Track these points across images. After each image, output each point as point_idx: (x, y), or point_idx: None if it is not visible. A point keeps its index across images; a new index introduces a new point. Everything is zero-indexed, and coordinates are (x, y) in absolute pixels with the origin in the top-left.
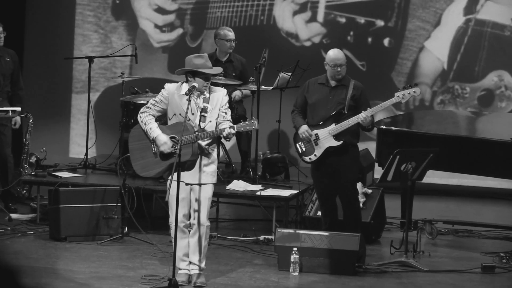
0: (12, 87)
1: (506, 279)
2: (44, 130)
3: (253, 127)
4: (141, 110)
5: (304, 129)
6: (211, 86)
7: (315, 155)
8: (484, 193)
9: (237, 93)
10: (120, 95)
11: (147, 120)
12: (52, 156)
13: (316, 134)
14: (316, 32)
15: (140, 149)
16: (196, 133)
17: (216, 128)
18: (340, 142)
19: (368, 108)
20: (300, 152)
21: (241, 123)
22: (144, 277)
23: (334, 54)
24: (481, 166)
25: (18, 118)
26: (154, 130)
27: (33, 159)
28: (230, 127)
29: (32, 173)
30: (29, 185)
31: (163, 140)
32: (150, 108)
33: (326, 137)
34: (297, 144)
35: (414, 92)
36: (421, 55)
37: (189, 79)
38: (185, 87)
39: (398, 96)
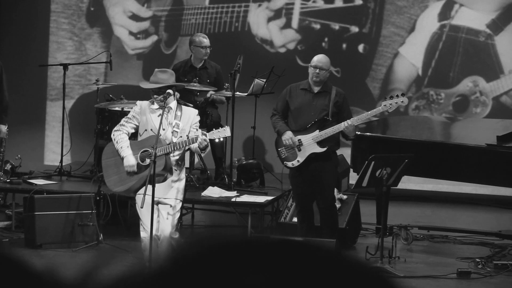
0: None
1: (481, 284)
2: (19, 137)
3: (226, 134)
4: (115, 128)
5: (288, 135)
6: (183, 106)
7: (297, 160)
8: (460, 198)
9: (212, 93)
10: (95, 102)
11: (119, 138)
12: (27, 163)
13: (299, 140)
14: (291, 39)
15: (114, 164)
16: (169, 144)
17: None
18: (324, 149)
19: (352, 116)
20: (283, 157)
21: (213, 131)
22: None
23: (318, 57)
24: (456, 172)
25: (2, 127)
26: (124, 150)
27: (8, 167)
28: (203, 134)
29: (7, 180)
30: (4, 192)
31: (131, 163)
32: (124, 125)
33: (309, 143)
34: (279, 149)
35: (402, 101)
36: (395, 61)
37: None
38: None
39: (385, 105)
